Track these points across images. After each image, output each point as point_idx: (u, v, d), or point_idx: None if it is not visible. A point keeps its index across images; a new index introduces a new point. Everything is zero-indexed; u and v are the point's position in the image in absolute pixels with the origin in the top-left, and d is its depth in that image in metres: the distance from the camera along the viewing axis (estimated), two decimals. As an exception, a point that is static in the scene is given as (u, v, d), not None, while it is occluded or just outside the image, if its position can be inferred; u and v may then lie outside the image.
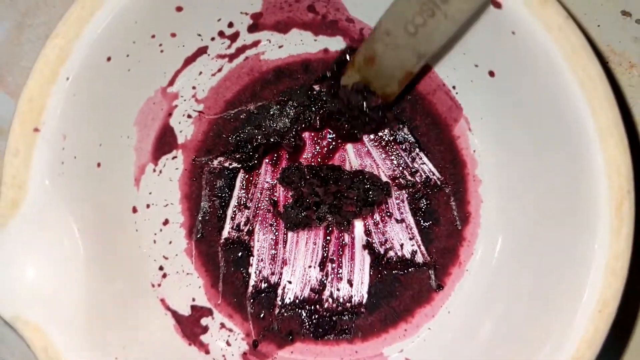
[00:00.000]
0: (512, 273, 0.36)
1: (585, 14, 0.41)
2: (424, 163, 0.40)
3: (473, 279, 0.39)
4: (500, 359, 0.34)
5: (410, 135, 0.40)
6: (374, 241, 0.40)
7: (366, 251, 0.40)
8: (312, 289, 0.40)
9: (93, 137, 0.34)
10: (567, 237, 0.32)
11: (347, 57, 0.38)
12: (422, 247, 0.40)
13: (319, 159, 0.40)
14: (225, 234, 0.40)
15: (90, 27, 0.30)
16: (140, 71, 0.34)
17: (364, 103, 0.36)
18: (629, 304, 0.38)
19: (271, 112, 0.39)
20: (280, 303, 0.40)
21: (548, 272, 0.33)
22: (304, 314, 0.40)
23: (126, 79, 0.34)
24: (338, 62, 0.38)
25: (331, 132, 0.40)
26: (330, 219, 0.39)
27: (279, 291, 0.40)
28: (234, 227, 0.40)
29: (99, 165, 0.34)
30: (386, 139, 0.40)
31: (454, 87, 0.38)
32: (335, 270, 0.40)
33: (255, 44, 0.38)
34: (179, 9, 0.34)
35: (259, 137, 0.39)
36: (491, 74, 0.34)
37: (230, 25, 0.37)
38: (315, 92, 0.39)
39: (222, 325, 0.39)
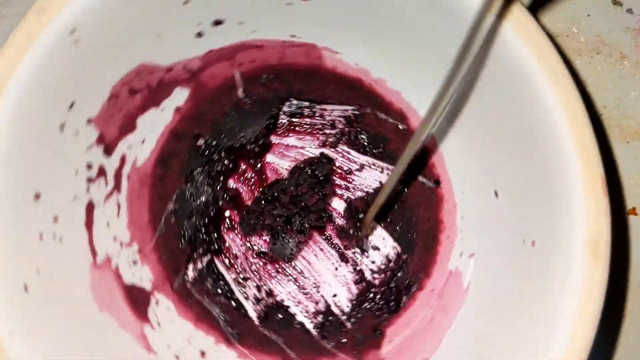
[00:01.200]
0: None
1: (574, 3, 0.39)
2: (333, 110, 0.39)
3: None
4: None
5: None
6: (358, 202, 0.39)
7: (361, 215, 0.39)
8: (355, 283, 0.39)
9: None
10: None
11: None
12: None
13: (259, 188, 0.39)
14: (254, 315, 0.38)
15: None
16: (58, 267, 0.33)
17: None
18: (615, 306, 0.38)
19: (189, 194, 0.38)
20: (345, 317, 0.38)
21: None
22: (369, 306, 0.39)
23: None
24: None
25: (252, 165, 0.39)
26: (310, 222, 0.38)
27: (335, 309, 0.38)
28: (255, 302, 0.38)
29: None
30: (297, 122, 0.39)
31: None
32: (356, 251, 0.39)
33: (122, 160, 0.36)
34: (36, 196, 0.32)
35: (199, 219, 0.38)
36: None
37: (90, 166, 0.35)
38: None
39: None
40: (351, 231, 0.37)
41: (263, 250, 0.39)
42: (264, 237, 0.39)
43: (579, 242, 0.30)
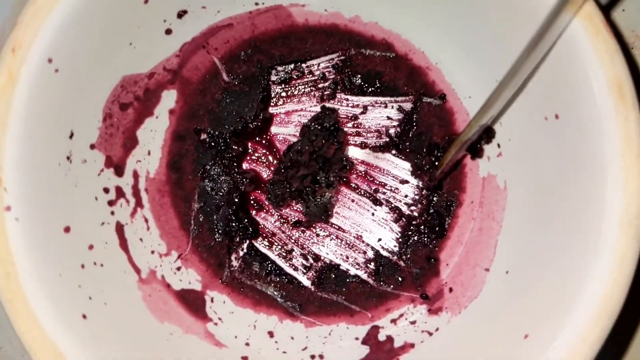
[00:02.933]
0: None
1: None
2: (319, 63, 0.39)
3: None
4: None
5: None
6: (371, 143, 0.39)
7: (379, 153, 0.39)
8: (395, 221, 0.38)
9: None
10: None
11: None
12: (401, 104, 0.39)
13: (274, 161, 0.39)
14: (308, 283, 0.38)
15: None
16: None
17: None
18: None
19: (210, 189, 0.38)
20: (396, 257, 0.38)
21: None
22: (417, 239, 0.38)
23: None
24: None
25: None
26: (335, 173, 0.37)
27: (384, 253, 0.38)
28: (305, 270, 0.38)
29: None
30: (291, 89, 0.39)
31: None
32: (386, 191, 0.38)
33: (135, 176, 0.37)
34: (66, 229, 0.32)
35: (227, 210, 0.38)
36: None
37: (107, 190, 0.35)
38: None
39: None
40: (427, 167, 0.37)
41: (297, 219, 0.38)
42: (295, 207, 0.38)
43: (603, 87, 0.29)
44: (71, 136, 0.33)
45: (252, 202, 0.39)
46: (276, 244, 0.38)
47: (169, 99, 0.38)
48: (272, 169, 0.39)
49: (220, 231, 0.38)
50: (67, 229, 0.32)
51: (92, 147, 0.34)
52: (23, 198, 0.30)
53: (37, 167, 0.31)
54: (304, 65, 0.39)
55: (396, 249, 0.38)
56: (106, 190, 0.35)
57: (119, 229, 0.35)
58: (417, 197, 0.38)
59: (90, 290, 0.32)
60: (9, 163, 0.30)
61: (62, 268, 0.31)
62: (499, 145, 0.36)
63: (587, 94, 0.29)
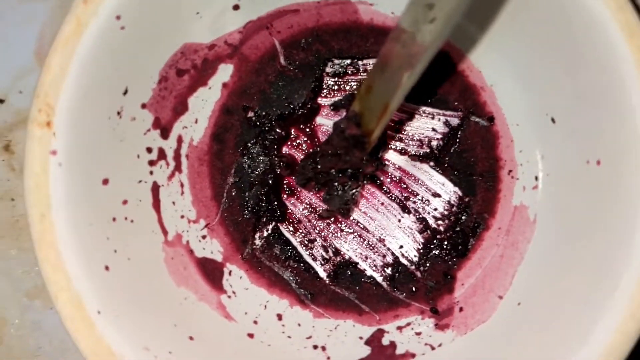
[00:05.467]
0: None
1: None
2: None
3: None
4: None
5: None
6: (411, 151, 0.39)
7: (417, 162, 0.39)
8: (420, 232, 0.39)
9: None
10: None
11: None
12: (445, 118, 0.39)
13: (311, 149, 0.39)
14: (324, 275, 0.39)
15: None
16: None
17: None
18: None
19: (247, 166, 0.39)
20: (414, 267, 0.38)
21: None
22: (437, 252, 0.39)
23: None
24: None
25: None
26: (367, 169, 0.37)
27: (403, 260, 0.39)
28: (323, 262, 0.39)
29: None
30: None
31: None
32: (416, 201, 0.39)
33: (179, 141, 0.38)
34: (104, 181, 0.33)
35: (259, 189, 0.39)
36: None
37: (150, 150, 0.36)
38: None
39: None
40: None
41: (324, 210, 0.39)
42: (319, 195, 0.39)
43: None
44: (125, 92, 0.34)
45: (285, 186, 0.39)
46: (300, 231, 0.39)
47: (225, 72, 0.38)
48: (310, 157, 0.39)
49: (249, 208, 0.39)
50: (105, 181, 0.33)
51: (144, 106, 0.35)
52: (70, 145, 0.31)
53: (87, 117, 0.32)
54: (360, 62, 0.39)
55: (416, 258, 0.39)
56: (149, 150, 0.36)
57: (155, 189, 0.36)
58: (446, 213, 0.39)
59: (117, 243, 0.33)
60: (62, 109, 0.31)
61: (94, 218, 0.32)
62: (536, 178, 0.36)
63: (633, 151, 0.29)
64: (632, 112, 0.29)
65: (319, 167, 0.37)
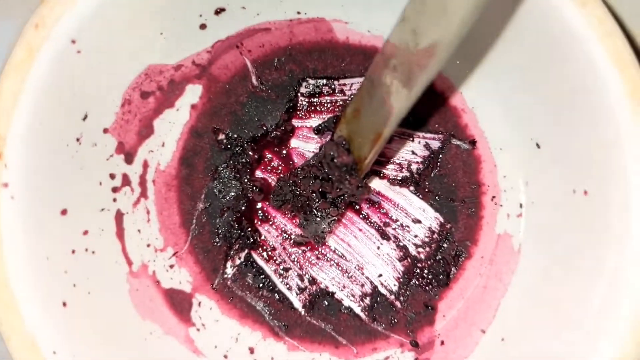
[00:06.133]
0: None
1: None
2: (353, 83, 0.37)
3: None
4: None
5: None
6: (390, 175, 0.37)
7: (397, 186, 0.37)
8: (399, 259, 0.37)
9: None
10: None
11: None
12: (427, 140, 0.37)
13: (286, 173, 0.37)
14: (299, 305, 0.37)
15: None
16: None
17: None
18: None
19: (217, 191, 0.37)
20: (394, 297, 0.37)
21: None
22: (418, 282, 0.37)
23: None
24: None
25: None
26: (347, 195, 0.35)
27: (382, 290, 0.37)
28: (299, 292, 0.37)
29: None
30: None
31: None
32: (396, 227, 0.37)
33: (144, 166, 0.36)
34: (63, 212, 0.31)
35: (231, 215, 0.37)
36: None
37: (113, 176, 0.34)
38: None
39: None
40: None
41: (298, 237, 0.37)
42: (295, 221, 0.37)
43: (636, 183, 0.28)
44: (85, 118, 0.32)
45: (258, 211, 0.38)
46: (275, 258, 0.37)
47: (193, 93, 0.36)
48: (284, 181, 0.37)
49: (220, 235, 0.37)
50: (64, 212, 0.32)
51: (105, 131, 0.34)
52: (23, 176, 0.29)
53: (43, 146, 0.30)
54: (336, 82, 0.37)
55: (395, 288, 0.37)
56: (112, 177, 0.34)
57: (119, 217, 0.35)
58: (427, 240, 0.37)
59: (76, 277, 0.32)
60: (14, 139, 0.29)
61: (51, 251, 0.31)
62: (521, 205, 0.34)
63: (621, 181, 0.27)
64: (620, 143, 0.27)
65: (298, 190, 0.35)
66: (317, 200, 0.35)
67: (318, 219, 0.36)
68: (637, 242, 0.28)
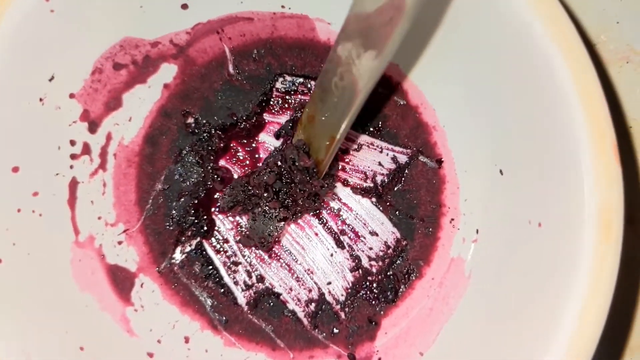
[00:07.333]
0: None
1: (604, 9, 0.36)
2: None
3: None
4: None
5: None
6: (354, 183, 0.36)
7: (359, 196, 0.36)
8: (351, 270, 0.36)
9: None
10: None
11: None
12: (394, 150, 0.36)
13: (251, 169, 0.37)
14: (243, 301, 0.36)
15: None
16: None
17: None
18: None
19: (178, 175, 0.37)
20: (339, 307, 0.36)
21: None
22: (366, 295, 0.36)
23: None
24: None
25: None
26: (302, 200, 0.35)
27: (329, 298, 0.36)
28: (244, 288, 0.36)
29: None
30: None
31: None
32: (352, 237, 0.36)
33: (108, 137, 0.35)
34: (14, 169, 0.31)
35: (188, 201, 0.36)
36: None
37: (73, 143, 0.34)
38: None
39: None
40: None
41: (246, 233, 0.37)
42: (243, 219, 0.37)
43: (589, 221, 0.27)
44: (51, 79, 0.32)
45: (216, 200, 0.37)
46: (226, 251, 0.37)
47: (168, 72, 0.36)
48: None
49: (174, 219, 0.36)
50: (15, 169, 0.31)
51: (72, 96, 0.33)
52: (-23, 126, 0.29)
53: (2, 97, 0.30)
54: (313, 82, 0.37)
55: (342, 298, 0.36)
56: (72, 143, 0.34)
57: (73, 184, 0.34)
58: (381, 254, 0.36)
59: (17, 236, 0.31)
60: (-28, 87, 0.29)
61: (-6, 206, 0.30)
62: (477, 231, 0.34)
63: (575, 220, 0.26)
64: (580, 180, 0.27)
65: (251, 189, 0.34)
66: (269, 199, 0.35)
67: (265, 221, 0.35)
68: (582, 288, 0.27)
